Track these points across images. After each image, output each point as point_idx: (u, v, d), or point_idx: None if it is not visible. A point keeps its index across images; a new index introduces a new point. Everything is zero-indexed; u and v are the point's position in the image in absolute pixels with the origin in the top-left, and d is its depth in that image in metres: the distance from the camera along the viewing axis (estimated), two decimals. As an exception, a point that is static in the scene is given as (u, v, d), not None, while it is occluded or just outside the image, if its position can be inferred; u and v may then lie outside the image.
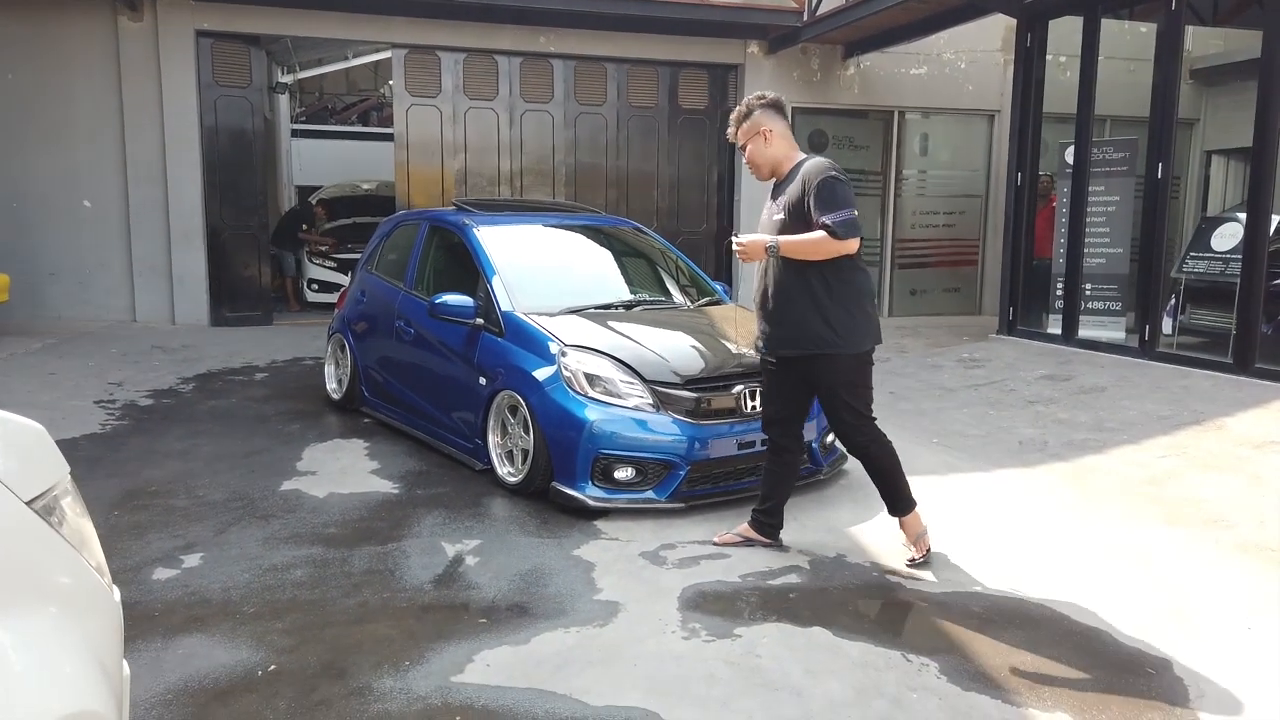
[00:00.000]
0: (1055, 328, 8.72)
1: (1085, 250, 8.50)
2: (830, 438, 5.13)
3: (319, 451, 5.56)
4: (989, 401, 6.89)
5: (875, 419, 3.98)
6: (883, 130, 12.12)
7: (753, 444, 4.60)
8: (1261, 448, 5.34)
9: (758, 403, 4.64)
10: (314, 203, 13.14)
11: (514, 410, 4.79)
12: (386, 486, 4.92)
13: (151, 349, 8.64)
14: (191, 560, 3.85)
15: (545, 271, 5.49)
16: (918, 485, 4.94)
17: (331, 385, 6.78)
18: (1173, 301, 8.11)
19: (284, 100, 19.32)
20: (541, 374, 4.65)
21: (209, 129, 10.19)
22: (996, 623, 3.39)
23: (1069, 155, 8.71)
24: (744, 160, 3.97)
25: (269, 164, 16.73)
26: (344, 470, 5.19)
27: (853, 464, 5.25)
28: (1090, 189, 8.46)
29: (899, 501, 4.01)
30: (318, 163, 18.91)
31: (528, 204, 8.14)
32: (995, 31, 11.65)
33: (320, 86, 24.61)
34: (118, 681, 1.74)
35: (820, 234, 3.65)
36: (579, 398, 4.51)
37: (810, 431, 4.83)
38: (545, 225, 6.06)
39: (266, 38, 10.71)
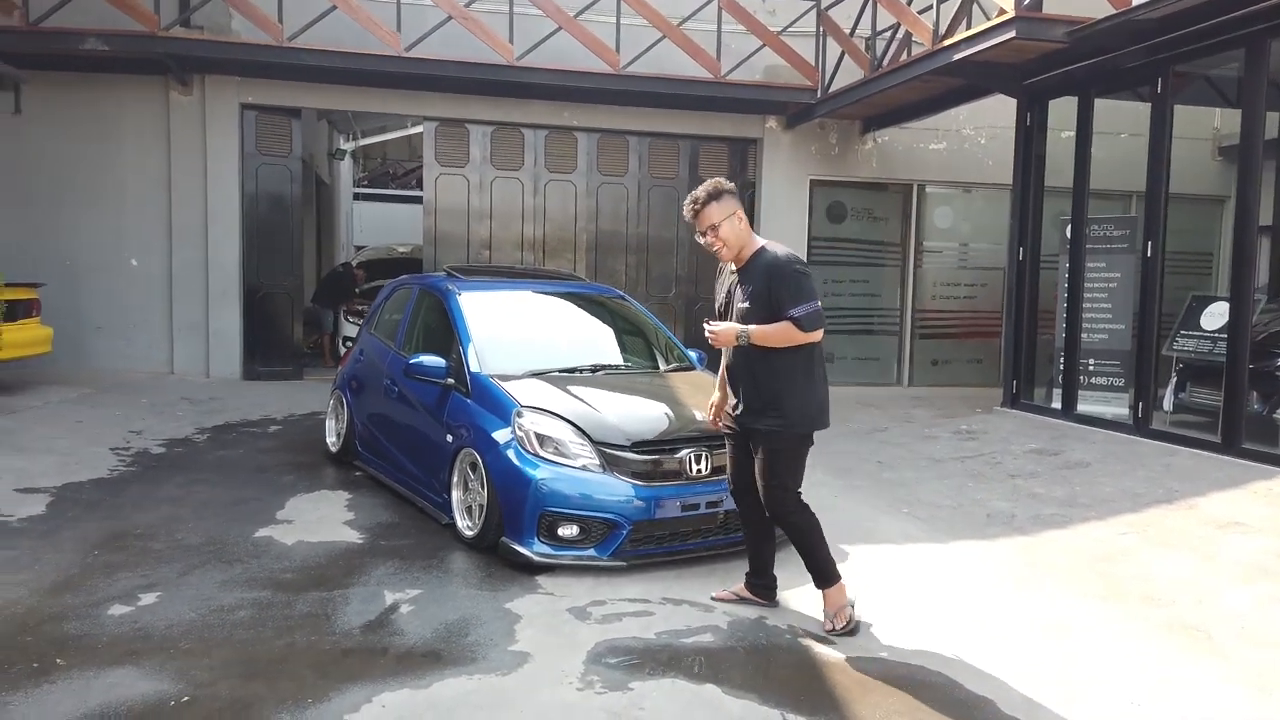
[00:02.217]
0: (1056, 402, 8.69)
1: (1085, 326, 8.51)
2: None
3: (303, 502, 5.85)
4: (971, 474, 6.91)
5: (800, 493, 4.09)
6: (901, 202, 12.30)
7: (696, 506, 4.75)
8: (1225, 528, 5.29)
9: (703, 467, 4.80)
10: (354, 265, 13.74)
11: (474, 467, 5.02)
12: (354, 537, 5.16)
13: (179, 400, 9.12)
14: (148, 599, 4.12)
15: (518, 336, 5.76)
16: (870, 552, 5.06)
17: (331, 439, 7.11)
18: (1174, 379, 8.05)
19: (345, 165, 20.34)
20: (499, 434, 4.88)
21: (249, 195, 10.82)
22: (888, 688, 3.46)
23: (1069, 231, 8.77)
24: (706, 240, 4.11)
25: (325, 226, 17.62)
26: (320, 520, 5.45)
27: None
28: (1090, 265, 8.50)
29: (822, 574, 4.08)
30: (376, 225, 19.79)
31: (516, 271, 8.51)
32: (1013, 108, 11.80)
33: (384, 152, 25.74)
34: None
35: (787, 324, 3.87)
36: (530, 457, 4.72)
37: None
38: (527, 291, 6.35)
39: (309, 110, 11.39)
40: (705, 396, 5.17)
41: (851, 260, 12.23)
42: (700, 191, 4.13)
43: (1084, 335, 8.54)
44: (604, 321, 6.27)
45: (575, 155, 11.60)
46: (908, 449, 7.81)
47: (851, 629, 3.97)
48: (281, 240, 11.05)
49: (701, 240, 4.14)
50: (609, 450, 4.72)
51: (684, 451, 4.79)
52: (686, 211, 4.17)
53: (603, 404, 4.99)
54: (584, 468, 4.68)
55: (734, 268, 4.15)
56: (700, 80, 10.60)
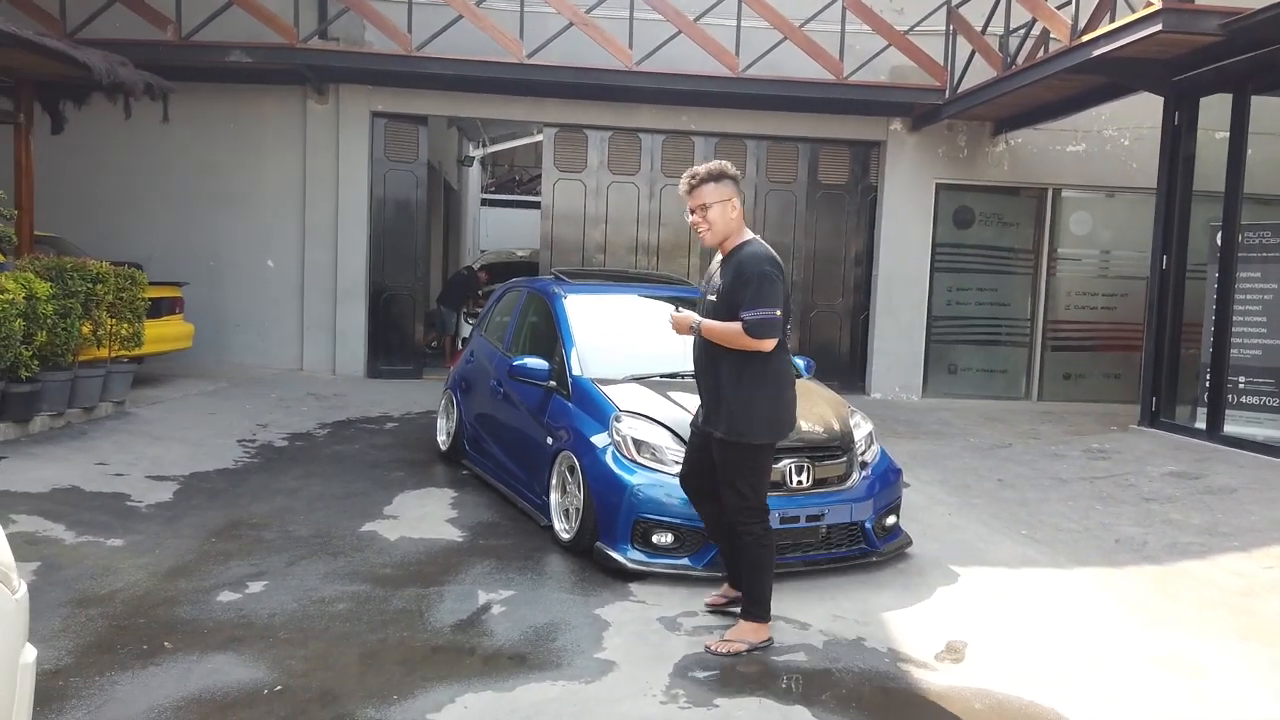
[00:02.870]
0: (1200, 422, 8.06)
1: (1236, 341, 7.86)
2: (891, 519, 5.03)
3: (410, 498, 5.97)
4: (1101, 496, 6.47)
5: (766, 510, 3.88)
6: (1035, 207, 11.71)
7: (796, 519, 4.59)
8: (1393, 567, 4.76)
9: (804, 479, 4.65)
10: (477, 268, 14.07)
11: (572, 470, 5.00)
12: (454, 535, 5.23)
13: (305, 396, 9.51)
14: (255, 587, 4.26)
15: (620, 340, 5.72)
16: (983, 576, 4.79)
17: (441, 437, 7.25)
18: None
19: (473, 172, 20.93)
20: (597, 438, 4.85)
21: (377, 199, 11.22)
22: (991, 723, 3.23)
23: (1219, 238, 8.12)
24: (693, 219, 3.90)
25: (453, 230, 18.15)
26: (423, 516, 5.55)
27: (920, 548, 5.12)
28: (1243, 274, 7.86)
29: (755, 603, 3.83)
30: (501, 229, 20.31)
31: (624, 275, 8.45)
32: (1160, 107, 11.06)
33: (511, 159, 26.37)
34: (12, 669, 2.04)
35: (737, 326, 3.72)
36: (627, 462, 4.67)
37: (864, 511, 4.78)
38: (632, 295, 6.30)
39: (436, 118, 11.72)
40: (809, 405, 5.03)
41: (978, 268, 11.71)
42: (702, 169, 3.93)
43: (1234, 350, 7.89)
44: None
45: (692, 160, 11.51)
46: (1032, 467, 7.39)
47: (727, 655, 3.66)
48: (406, 243, 11.40)
49: (689, 218, 3.94)
50: (707, 458, 4.61)
51: (784, 462, 4.64)
52: (683, 185, 3.97)
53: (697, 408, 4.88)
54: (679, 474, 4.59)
55: (720, 257, 4.01)
56: (822, 82, 10.36)
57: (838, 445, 4.89)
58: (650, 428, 4.76)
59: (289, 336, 11.19)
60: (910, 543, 5.09)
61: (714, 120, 11.26)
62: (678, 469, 4.58)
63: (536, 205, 21.19)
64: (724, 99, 10.79)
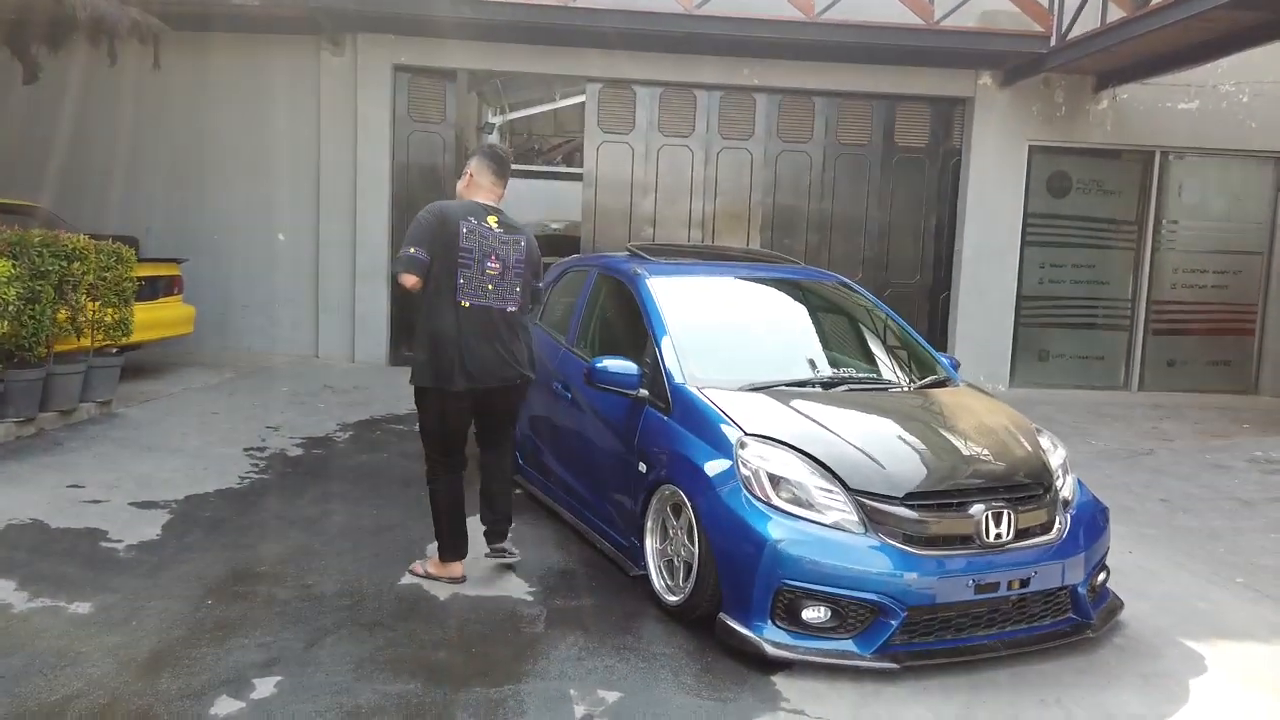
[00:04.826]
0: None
1: None
2: (1101, 576, 3.82)
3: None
4: (1306, 524, 5.25)
5: (441, 463, 4.05)
6: (1139, 173, 10.37)
7: (996, 586, 3.39)
8: None
9: (1004, 530, 3.44)
10: (505, 241, 12.83)
11: (678, 510, 3.81)
12: (521, 590, 4.04)
13: (321, 389, 8.34)
14: (264, 687, 3.08)
15: (728, 336, 4.50)
16: (1234, 656, 3.56)
17: (486, 447, 6.05)
18: None
19: (493, 139, 19.70)
20: (713, 468, 3.64)
21: (400, 166, 9.98)
22: None
23: None
24: None
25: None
26: (477, 559, 4.36)
27: (1133, 611, 3.91)
28: None
29: (441, 544, 4.09)
30: (522, 201, 19.04)
31: (713, 251, 7.13)
32: (1289, 57, 9.71)
33: (529, 128, 25.07)
34: None
35: None
36: (759, 505, 3.46)
37: (1077, 570, 3.57)
38: (730, 277, 5.05)
39: (465, 73, 10.43)
40: (979, 425, 3.82)
41: (1074, 241, 10.40)
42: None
43: None
44: (831, 318, 4.92)
45: (753, 119, 10.22)
46: (1195, 482, 6.16)
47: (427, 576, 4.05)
48: (432, 214, 10.13)
49: None
50: (871, 502, 3.41)
51: (976, 507, 3.44)
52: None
53: (853, 434, 3.67)
54: (836, 525, 3.38)
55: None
56: (910, 28, 9.04)
57: (1035, 481, 3.67)
58: (789, 458, 3.54)
59: (302, 320, 9.99)
60: (1122, 606, 3.89)
61: (779, 74, 9.94)
62: (833, 516, 3.40)
63: (558, 175, 20.14)
64: (793, 49, 9.47)
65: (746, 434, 3.65)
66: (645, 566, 3.99)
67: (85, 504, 4.80)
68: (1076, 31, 8.85)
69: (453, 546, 4.06)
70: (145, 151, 9.67)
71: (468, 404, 3.94)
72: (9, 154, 7.15)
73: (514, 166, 15.07)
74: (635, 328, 4.59)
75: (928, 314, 10.46)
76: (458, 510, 4.06)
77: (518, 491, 5.54)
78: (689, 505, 3.68)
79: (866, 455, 3.53)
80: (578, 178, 12.29)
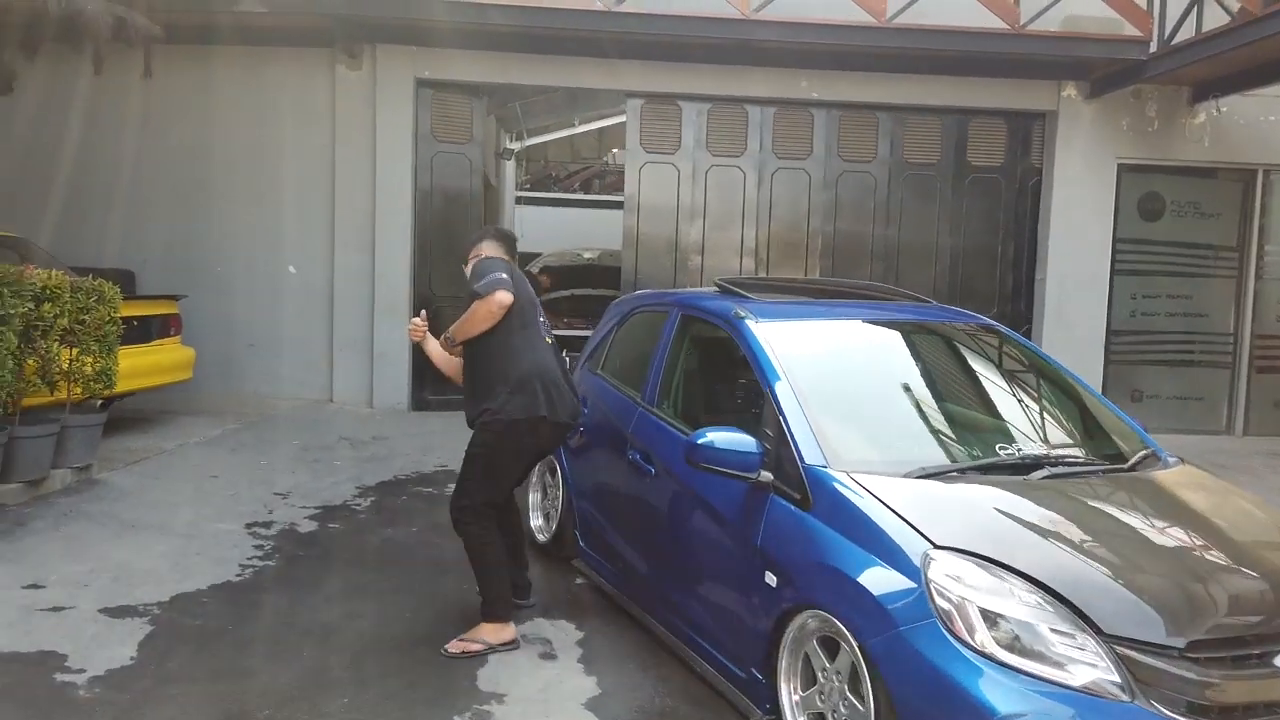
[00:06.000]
0: None
1: None
2: None
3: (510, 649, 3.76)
4: None
5: (493, 514, 3.80)
6: (1240, 194, 9.37)
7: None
8: None
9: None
10: (536, 271, 11.87)
11: (831, 646, 2.79)
12: (611, 745, 3.01)
13: (337, 441, 7.34)
14: None
15: (873, 400, 3.50)
16: None
17: (536, 522, 5.04)
18: None
19: (510, 166, 18.92)
20: (889, 594, 2.62)
21: (423, 190, 9.03)
22: None
23: None
24: None
25: (489, 230, 16.04)
26: (544, 696, 3.34)
27: None
28: None
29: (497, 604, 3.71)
30: (541, 230, 18.25)
31: (819, 287, 6.03)
32: None
33: (545, 155, 24.35)
34: None
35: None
36: (969, 654, 2.43)
37: None
38: (859, 321, 4.02)
39: (488, 88, 9.52)
40: (1255, 527, 2.80)
41: (1169, 269, 9.38)
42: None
43: None
44: (991, 371, 3.88)
45: (810, 137, 9.26)
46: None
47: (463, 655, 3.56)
48: (458, 244, 9.07)
49: None
50: (1136, 653, 2.37)
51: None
52: None
53: (1090, 546, 2.65)
54: (1089, 689, 2.35)
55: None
56: (994, 32, 8.09)
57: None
58: (1009, 586, 2.52)
59: (316, 360, 9.00)
60: None
61: (839, 86, 8.99)
62: (1085, 673, 2.36)
63: (578, 204, 19.43)
64: (858, 58, 8.56)
65: (937, 546, 2.63)
66: (780, 715, 2.96)
67: (43, 613, 3.79)
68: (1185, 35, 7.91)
69: (506, 601, 3.77)
70: (139, 174, 8.72)
71: (545, 442, 3.86)
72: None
73: (545, 195, 14.21)
74: (741, 387, 3.60)
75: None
76: (505, 562, 3.86)
77: (579, 580, 4.54)
78: (853, 644, 2.66)
79: (1118, 581, 2.51)
80: (609, 205, 11.39)
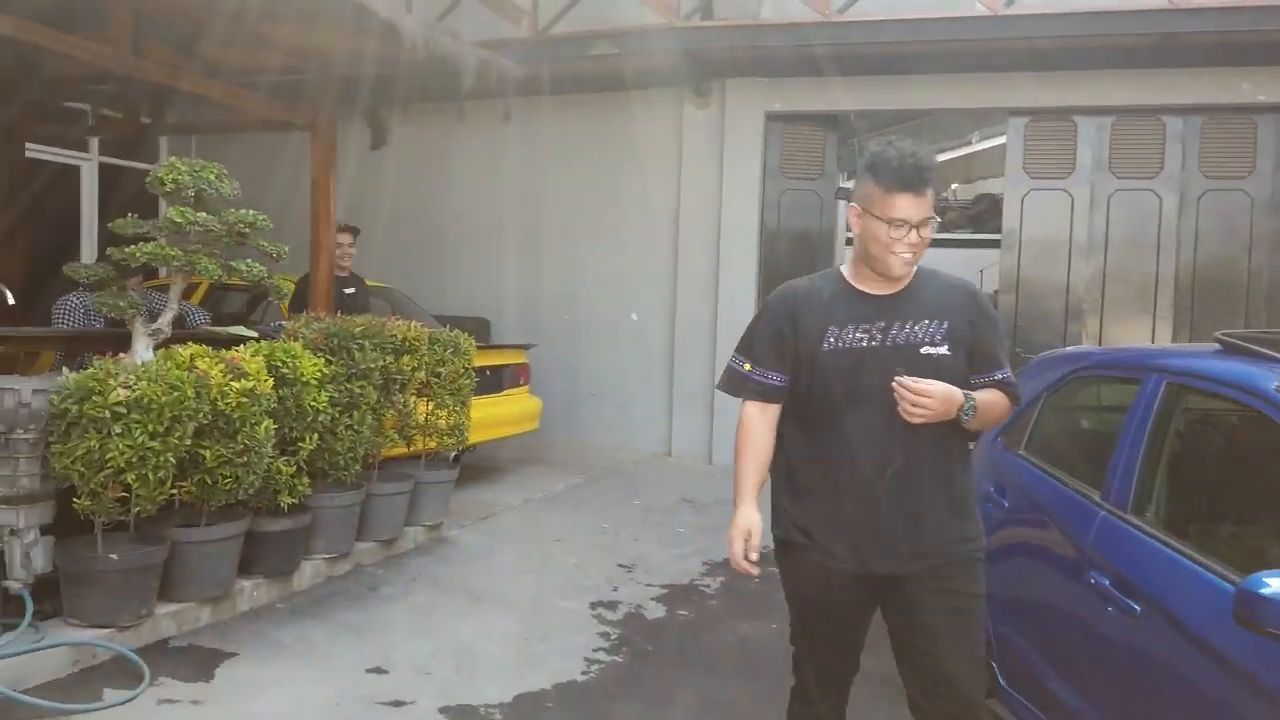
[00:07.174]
0: None
1: None
2: None
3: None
4: None
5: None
6: None
7: None
8: None
9: None
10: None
11: None
12: None
13: (678, 503, 6.76)
14: None
15: None
16: None
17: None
18: None
19: (843, 207, 18.00)
20: None
21: (769, 232, 8.39)
22: None
23: None
24: (907, 239, 2.31)
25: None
26: None
27: None
28: None
29: None
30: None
31: None
32: None
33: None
34: None
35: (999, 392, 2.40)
36: None
37: None
38: None
39: (843, 118, 8.69)
40: None
41: None
42: (928, 157, 2.30)
43: None
44: None
45: (1252, 150, 7.42)
46: None
47: None
48: (807, 288, 8.41)
49: (895, 235, 2.30)
50: None
51: None
52: (912, 176, 2.26)
53: None
54: None
55: (864, 287, 2.44)
56: None
57: None
58: None
59: (655, 412, 8.61)
60: None
61: (1295, 84, 7.12)
62: None
63: (969, 243, 18.04)
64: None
65: None
66: None
67: (383, 708, 3.40)
68: None
69: None
70: (494, 220, 8.91)
71: None
72: (363, 228, 6.51)
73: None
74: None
75: None
76: None
77: (1001, 733, 3.44)
78: None
79: None
80: (991, 244, 10.09)
